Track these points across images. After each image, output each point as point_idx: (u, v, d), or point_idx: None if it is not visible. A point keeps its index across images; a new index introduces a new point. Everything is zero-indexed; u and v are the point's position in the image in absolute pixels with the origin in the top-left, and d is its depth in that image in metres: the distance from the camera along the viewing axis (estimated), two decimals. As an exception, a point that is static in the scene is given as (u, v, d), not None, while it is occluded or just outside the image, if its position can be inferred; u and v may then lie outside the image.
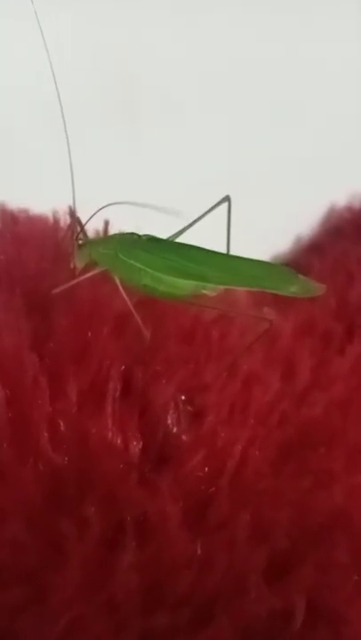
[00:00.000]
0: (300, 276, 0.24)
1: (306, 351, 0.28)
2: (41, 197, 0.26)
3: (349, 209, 0.43)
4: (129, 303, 0.21)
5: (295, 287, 0.23)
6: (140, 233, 0.23)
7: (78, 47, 0.31)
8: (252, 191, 0.39)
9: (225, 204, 0.25)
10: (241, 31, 0.38)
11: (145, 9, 0.35)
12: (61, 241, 0.23)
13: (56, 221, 0.25)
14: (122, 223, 0.28)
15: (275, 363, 0.27)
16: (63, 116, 0.23)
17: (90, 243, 0.22)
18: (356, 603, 0.21)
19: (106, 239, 0.23)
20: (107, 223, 0.25)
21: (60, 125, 0.28)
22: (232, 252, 0.27)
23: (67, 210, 0.24)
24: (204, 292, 0.23)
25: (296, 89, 0.41)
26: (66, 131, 0.23)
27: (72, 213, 0.23)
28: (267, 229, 0.41)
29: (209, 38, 0.38)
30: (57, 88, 0.23)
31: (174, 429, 0.21)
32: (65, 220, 0.25)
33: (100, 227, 0.25)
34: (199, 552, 0.19)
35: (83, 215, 0.25)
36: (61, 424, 0.19)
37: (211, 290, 0.23)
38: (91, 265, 0.22)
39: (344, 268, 0.38)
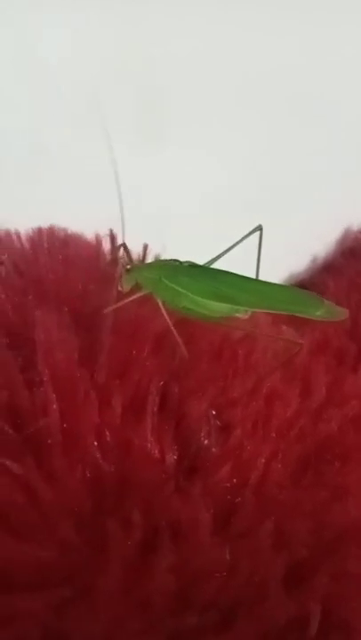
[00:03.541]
0: (326, 301, 0.25)
1: (321, 368, 0.29)
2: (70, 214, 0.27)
3: (365, 231, 0.44)
4: (170, 324, 0.22)
5: (321, 311, 0.25)
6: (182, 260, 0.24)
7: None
8: (270, 211, 0.40)
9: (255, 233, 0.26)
10: (268, 40, 0.38)
11: (170, 13, 0.35)
12: (106, 265, 0.24)
13: (98, 244, 0.26)
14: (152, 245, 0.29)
15: (294, 380, 0.28)
16: (110, 143, 0.24)
17: (136, 268, 0.24)
18: (367, 612, 0.22)
19: (150, 265, 0.25)
20: (145, 247, 0.27)
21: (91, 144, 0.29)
22: (249, 271, 0.29)
23: (107, 232, 0.26)
24: (237, 314, 0.24)
25: (315, 111, 0.41)
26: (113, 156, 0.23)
27: (112, 238, 0.25)
28: (283, 249, 0.42)
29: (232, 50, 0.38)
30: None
31: (205, 442, 0.23)
32: (106, 242, 0.26)
33: (139, 250, 0.27)
34: (228, 558, 0.20)
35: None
36: (107, 434, 0.20)
37: (243, 313, 0.25)
38: (136, 288, 0.24)
39: (359, 288, 0.39)
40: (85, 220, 0.27)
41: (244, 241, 0.28)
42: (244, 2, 0.36)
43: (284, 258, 0.43)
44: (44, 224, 0.28)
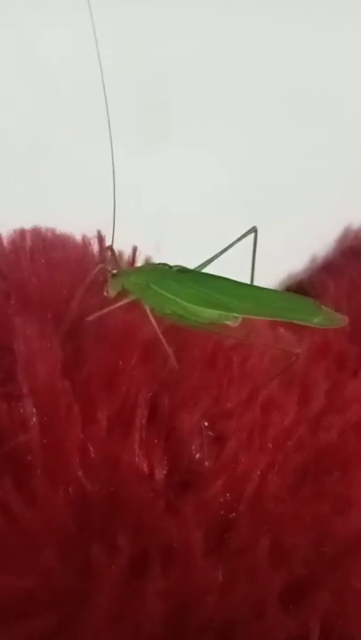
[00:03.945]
0: (324, 308, 0.24)
1: (321, 374, 0.28)
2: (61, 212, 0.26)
3: (365, 230, 0.43)
4: (158, 332, 0.21)
5: (319, 318, 0.23)
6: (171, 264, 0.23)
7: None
8: (269, 211, 0.39)
9: (251, 235, 0.25)
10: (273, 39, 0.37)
11: (171, 13, 0.34)
12: (93, 268, 0.23)
13: (85, 245, 0.25)
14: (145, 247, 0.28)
15: (292, 386, 0.27)
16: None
17: (123, 273, 0.23)
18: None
19: (138, 269, 0.24)
20: (135, 249, 0.25)
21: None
22: (246, 272, 0.28)
23: (95, 233, 0.25)
24: (227, 322, 0.23)
25: (314, 111, 0.41)
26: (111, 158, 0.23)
27: (100, 239, 0.24)
28: (282, 249, 0.41)
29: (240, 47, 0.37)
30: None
31: (197, 455, 0.22)
32: (94, 243, 0.25)
33: (128, 252, 0.25)
34: (221, 578, 0.19)
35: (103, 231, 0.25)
36: (92, 450, 0.19)
37: (233, 320, 0.23)
38: (123, 294, 0.22)
39: (360, 288, 0.38)
40: (85, 220, 0.26)
41: (242, 242, 0.27)
42: (244, 2, 0.36)
43: (282, 257, 0.42)
44: (44, 224, 0.27)
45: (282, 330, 0.29)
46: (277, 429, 0.24)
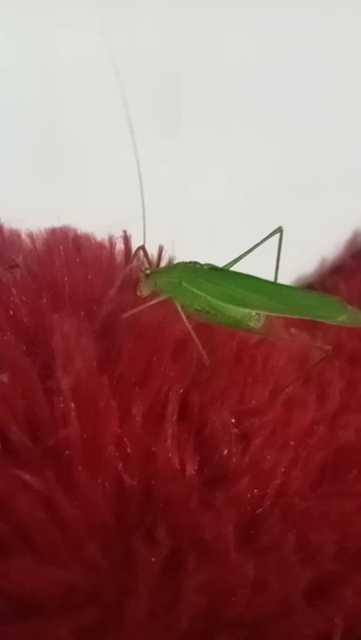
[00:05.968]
0: (350, 307, 0.24)
1: (336, 373, 0.29)
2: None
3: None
4: (191, 330, 0.21)
5: (344, 317, 0.23)
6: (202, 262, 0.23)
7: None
8: (278, 212, 0.39)
9: (277, 235, 0.25)
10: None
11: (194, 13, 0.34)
12: (123, 267, 0.23)
13: (112, 245, 0.25)
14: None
15: (310, 384, 0.27)
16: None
17: (155, 272, 0.23)
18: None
19: (170, 268, 0.24)
20: (161, 248, 0.26)
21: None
22: (256, 273, 0.28)
23: (121, 233, 0.25)
24: (250, 324, 0.23)
25: (320, 110, 0.41)
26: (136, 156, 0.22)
27: (126, 240, 0.24)
28: (291, 251, 0.41)
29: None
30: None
31: (225, 452, 0.22)
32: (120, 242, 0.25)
33: (154, 252, 0.25)
34: (252, 573, 0.19)
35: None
36: (128, 445, 0.19)
37: (255, 322, 0.24)
38: (155, 292, 0.22)
39: (370, 291, 0.38)
40: (98, 217, 0.26)
41: (252, 240, 0.27)
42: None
43: (292, 259, 0.42)
44: (57, 222, 0.26)
45: (293, 329, 0.30)
46: (299, 427, 0.24)
